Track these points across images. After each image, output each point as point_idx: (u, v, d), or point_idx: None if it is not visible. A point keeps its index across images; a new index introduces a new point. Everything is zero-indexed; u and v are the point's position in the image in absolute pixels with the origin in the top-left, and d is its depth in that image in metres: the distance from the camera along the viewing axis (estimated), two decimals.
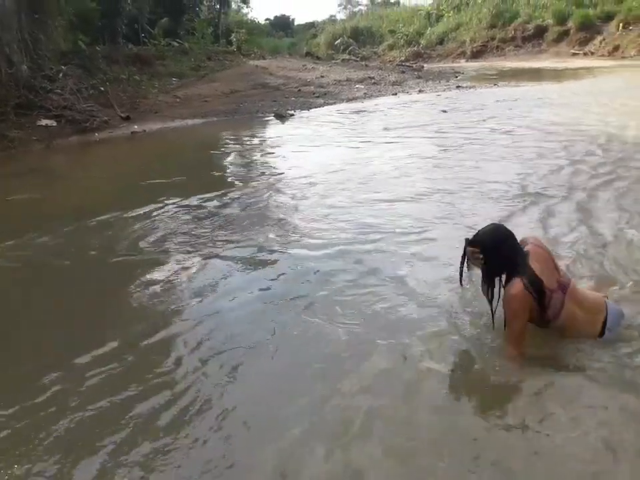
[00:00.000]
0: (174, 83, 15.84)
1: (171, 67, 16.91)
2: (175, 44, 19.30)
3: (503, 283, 2.68)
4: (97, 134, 10.74)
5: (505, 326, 2.66)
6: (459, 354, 2.79)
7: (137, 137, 10.91)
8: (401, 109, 12.85)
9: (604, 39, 25.84)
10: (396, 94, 16.12)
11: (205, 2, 26.23)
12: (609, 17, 26.23)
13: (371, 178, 6.38)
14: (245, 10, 33.81)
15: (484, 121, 9.96)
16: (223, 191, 6.28)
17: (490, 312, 2.73)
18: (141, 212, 5.55)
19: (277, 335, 3.08)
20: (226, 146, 9.87)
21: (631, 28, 24.46)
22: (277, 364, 2.83)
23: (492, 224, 2.80)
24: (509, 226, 2.79)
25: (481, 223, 4.48)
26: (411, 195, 5.59)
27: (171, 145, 10.52)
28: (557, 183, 5.59)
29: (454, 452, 2.16)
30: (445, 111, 11.62)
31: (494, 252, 2.61)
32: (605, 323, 2.69)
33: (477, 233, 2.69)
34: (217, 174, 7.68)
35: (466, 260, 2.68)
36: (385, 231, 4.55)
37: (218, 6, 26.70)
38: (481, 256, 2.61)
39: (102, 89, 12.88)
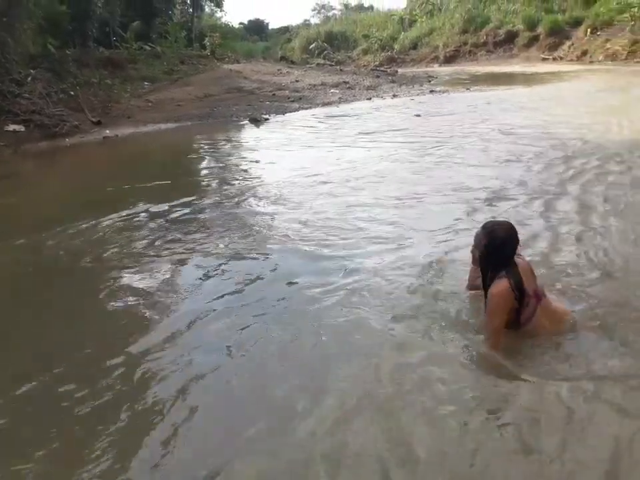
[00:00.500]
0: (146, 87, 15.63)
1: (143, 71, 16.68)
2: (147, 47, 19.05)
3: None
4: (67, 139, 10.52)
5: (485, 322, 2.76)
6: (436, 360, 2.78)
7: (109, 142, 10.73)
8: (376, 113, 12.92)
9: (572, 44, 26.45)
10: (370, 98, 16.21)
11: (177, 5, 25.99)
12: (577, 23, 26.86)
13: (345, 182, 6.37)
14: (218, 14, 33.64)
15: (457, 125, 10.06)
16: (197, 196, 6.20)
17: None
18: (114, 218, 5.44)
19: (250, 346, 3.03)
20: (200, 151, 9.78)
21: (598, 33, 25.08)
22: (248, 376, 2.78)
23: (506, 222, 2.92)
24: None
25: (454, 225, 4.58)
26: (386, 198, 5.59)
27: (143, 150, 10.37)
28: (527, 185, 5.66)
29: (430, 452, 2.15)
30: (418, 115, 11.72)
31: (497, 246, 2.72)
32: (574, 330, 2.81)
33: (491, 224, 2.84)
34: (191, 179, 7.59)
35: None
36: (360, 236, 4.54)
37: (191, 9, 26.50)
38: (479, 244, 2.76)
39: (72, 93, 12.62)
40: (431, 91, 16.99)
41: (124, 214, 5.58)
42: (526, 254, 3.81)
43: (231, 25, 36.27)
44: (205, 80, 17.49)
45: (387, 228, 4.70)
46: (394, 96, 16.49)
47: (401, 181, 6.32)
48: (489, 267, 2.76)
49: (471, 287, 3.16)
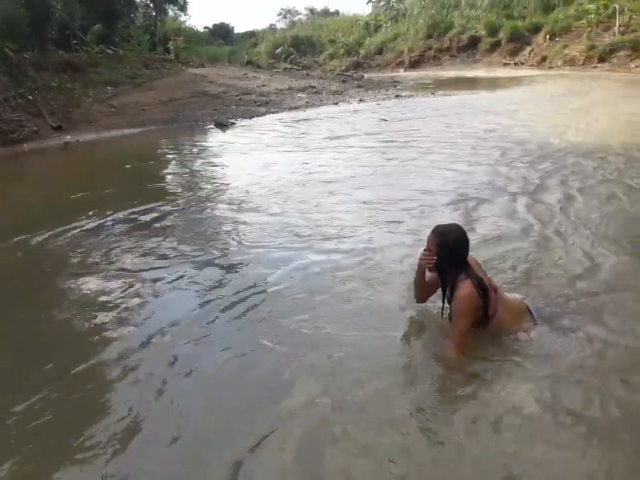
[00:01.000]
0: (109, 92, 15.31)
1: (105, 75, 16.33)
2: (110, 51, 18.67)
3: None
4: (25, 145, 10.21)
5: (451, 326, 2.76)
6: (402, 361, 2.78)
7: (70, 148, 10.45)
8: (343, 117, 12.96)
9: (532, 50, 27.15)
10: (337, 103, 16.26)
11: (140, 8, 25.59)
12: (536, 29, 27.60)
13: (312, 186, 6.34)
14: (182, 17, 33.20)
15: (422, 129, 10.17)
16: (161, 202, 6.07)
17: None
18: (75, 226, 5.27)
19: (215, 356, 2.95)
20: (165, 156, 9.62)
21: (557, 39, 25.82)
22: (217, 388, 2.71)
23: (456, 224, 2.98)
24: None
25: (420, 228, 4.59)
26: (354, 202, 5.59)
27: (106, 156, 10.14)
28: (491, 187, 5.75)
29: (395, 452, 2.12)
30: (385, 120, 11.80)
31: (451, 248, 2.74)
32: (534, 321, 2.89)
33: (442, 227, 2.84)
34: (155, 185, 7.44)
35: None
36: (326, 239, 4.51)
37: (154, 13, 26.12)
38: (436, 248, 2.74)
39: (31, 97, 12.24)
40: (397, 96, 17.15)
41: (86, 221, 5.42)
42: (489, 251, 3.91)
43: (195, 29, 36.02)
44: (169, 84, 17.25)
45: (353, 232, 4.68)
46: (360, 100, 16.59)
47: (368, 184, 6.33)
48: (449, 269, 2.76)
49: (420, 299, 3.09)
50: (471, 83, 20.35)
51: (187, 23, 33.43)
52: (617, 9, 22.76)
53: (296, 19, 54.42)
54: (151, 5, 26.73)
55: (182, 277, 4.00)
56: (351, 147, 8.92)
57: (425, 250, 2.81)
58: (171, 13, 31.41)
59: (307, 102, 16.48)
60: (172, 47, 23.54)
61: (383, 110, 13.88)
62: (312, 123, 12.46)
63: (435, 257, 2.75)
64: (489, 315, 2.73)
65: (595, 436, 2.19)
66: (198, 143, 10.90)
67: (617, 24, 22.59)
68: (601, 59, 22.17)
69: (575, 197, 5.26)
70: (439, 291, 2.91)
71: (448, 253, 2.73)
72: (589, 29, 23.86)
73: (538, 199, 5.29)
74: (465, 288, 2.66)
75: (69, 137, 10.99)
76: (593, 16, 23.67)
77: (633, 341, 2.81)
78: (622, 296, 3.29)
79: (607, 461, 2.08)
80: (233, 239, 4.78)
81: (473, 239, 4.14)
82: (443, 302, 2.85)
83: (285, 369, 2.75)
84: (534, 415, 2.33)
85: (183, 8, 30.54)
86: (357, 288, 3.55)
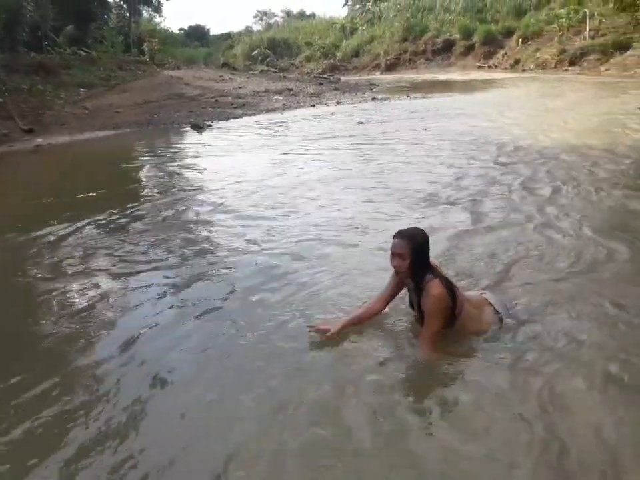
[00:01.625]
0: (82, 94, 15.06)
1: (78, 77, 16.07)
2: (82, 52, 18.38)
3: (412, 285, 2.82)
4: None
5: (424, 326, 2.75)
6: (373, 361, 2.76)
7: (42, 151, 10.24)
8: (320, 120, 12.97)
9: (506, 53, 27.63)
10: (314, 105, 16.28)
11: (113, 10, 25.27)
12: (509, 33, 28.10)
13: (290, 188, 6.32)
14: (157, 19, 32.99)
15: (399, 131, 10.24)
16: (135, 206, 5.97)
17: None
18: (48, 232, 5.14)
19: (192, 361, 2.91)
20: (140, 158, 9.49)
21: (529, 43, 26.32)
22: (192, 397, 2.66)
23: (415, 227, 2.96)
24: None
25: (394, 228, 4.60)
26: (330, 204, 5.59)
27: (79, 159, 9.95)
28: (463, 190, 5.79)
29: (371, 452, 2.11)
30: (361, 122, 11.84)
31: (420, 251, 2.74)
32: (497, 313, 2.91)
33: (408, 231, 2.81)
34: (130, 188, 7.32)
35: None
36: (302, 242, 4.49)
37: (128, 14, 25.83)
38: (408, 252, 2.71)
39: (0, 100, 11.98)
40: (373, 99, 17.25)
41: (58, 226, 5.30)
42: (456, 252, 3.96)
43: (170, 31, 35.72)
44: (144, 86, 17.06)
45: (330, 232, 4.68)
46: (337, 103, 16.63)
47: (345, 186, 6.33)
48: (419, 272, 2.76)
49: (383, 307, 3.04)
50: (446, 86, 20.57)
51: (162, 25, 33.18)
52: (587, 13, 23.30)
53: (272, 21, 54.54)
54: (125, 6, 26.48)
55: (157, 280, 3.94)
56: (327, 149, 8.93)
57: (395, 256, 2.77)
58: (145, 14, 31.20)
59: (283, 104, 16.46)
60: (147, 49, 23.30)
61: (359, 112, 13.93)
62: (289, 125, 12.44)
63: (409, 261, 2.73)
64: (455, 314, 2.75)
65: (563, 427, 2.22)
66: (174, 145, 10.79)
67: (587, 28, 23.11)
68: (572, 63, 22.66)
69: (545, 196, 5.34)
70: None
71: (418, 255, 2.74)
72: (560, 32, 24.37)
73: (510, 199, 5.36)
74: (435, 288, 2.68)
75: (40, 139, 10.77)
76: (563, 20, 24.18)
77: (598, 329, 2.90)
78: (587, 287, 3.39)
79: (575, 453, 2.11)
80: (209, 242, 4.73)
81: (443, 237, 4.29)
82: (413, 306, 2.85)
83: (261, 373, 2.73)
84: (512, 404, 2.37)
85: (158, 9, 30.39)
86: (333, 292, 3.53)
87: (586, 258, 3.84)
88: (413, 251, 2.73)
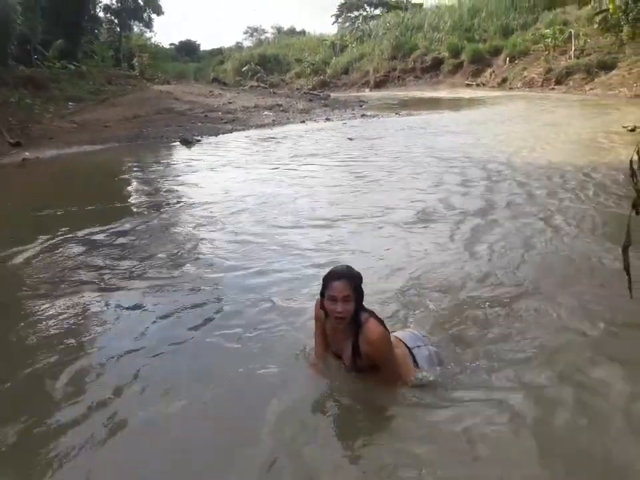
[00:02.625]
0: (71, 108, 15.02)
1: (67, 91, 16.05)
2: (72, 67, 18.36)
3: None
4: None
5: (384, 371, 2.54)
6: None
7: (29, 165, 10.16)
8: (309, 136, 13.03)
9: (493, 72, 28.08)
10: (304, 121, 16.37)
11: (104, 24, 25.35)
12: (497, 52, 28.61)
13: (278, 205, 6.31)
14: (148, 34, 33.09)
15: (388, 148, 10.30)
16: (123, 221, 5.92)
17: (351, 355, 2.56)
18: (34, 246, 5.08)
19: (179, 373, 2.87)
20: (128, 173, 9.45)
21: (516, 62, 26.78)
22: (181, 406, 2.62)
23: (344, 264, 2.66)
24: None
25: (382, 246, 4.62)
26: (320, 221, 5.58)
27: (67, 173, 9.89)
28: (451, 207, 5.80)
29: None
30: (351, 139, 11.91)
31: (361, 288, 2.51)
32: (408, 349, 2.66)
33: (346, 270, 2.53)
34: (118, 203, 7.26)
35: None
36: (291, 257, 4.48)
37: (119, 29, 25.92)
38: (352, 293, 2.44)
39: None
40: (363, 115, 17.39)
41: (45, 241, 5.24)
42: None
43: (161, 46, 35.90)
44: (133, 100, 17.06)
45: (317, 251, 4.66)
46: (327, 119, 16.74)
47: (333, 202, 6.34)
48: (359, 312, 2.49)
49: (324, 353, 2.76)
50: (435, 103, 20.81)
51: (153, 40, 33.31)
52: (573, 33, 23.77)
53: (263, 37, 55.05)
54: (116, 20, 26.54)
55: (143, 296, 3.89)
56: (317, 165, 8.96)
57: (338, 301, 2.43)
58: (136, 29, 31.27)
59: (273, 120, 16.53)
60: (137, 64, 23.38)
61: (349, 129, 14.03)
62: (278, 140, 12.48)
63: (353, 304, 2.45)
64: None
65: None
66: (162, 160, 10.76)
67: (573, 48, 23.57)
68: (558, 81, 23.06)
69: (524, 218, 5.32)
70: None
71: (360, 294, 2.50)
72: (546, 52, 24.82)
73: (493, 219, 5.32)
74: (376, 326, 2.46)
75: (27, 153, 10.69)
76: (549, 40, 24.65)
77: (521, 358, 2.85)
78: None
79: None
80: (196, 258, 4.69)
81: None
82: (354, 350, 2.51)
83: (250, 388, 2.69)
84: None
85: (149, 24, 30.47)
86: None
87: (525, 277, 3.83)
88: (356, 290, 2.47)
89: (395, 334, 2.72)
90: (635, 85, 17.17)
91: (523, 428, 2.33)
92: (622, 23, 21.40)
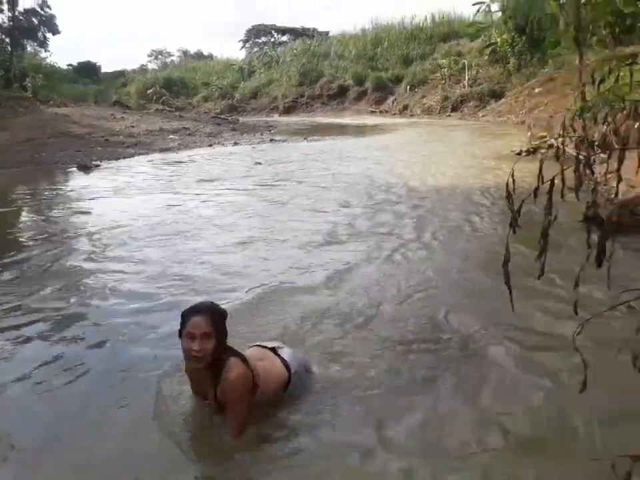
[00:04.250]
0: None
1: None
2: None
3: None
4: None
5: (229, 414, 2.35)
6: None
7: None
8: (217, 160, 12.86)
9: (395, 99, 29.50)
10: (211, 145, 16.16)
11: None
12: (398, 80, 30.14)
13: (181, 230, 6.10)
14: (43, 54, 31.31)
15: (295, 172, 10.37)
16: (14, 255, 5.43)
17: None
18: None
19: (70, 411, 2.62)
20: (19, 201, 8.76)
21: (416, 90, 28.32)
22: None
23: (205, 301, 2.53)
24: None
25: (289, 270, 4.58)
26: (224, 246, 5.46)
27: None
28: (353, 228, 5.92)
29: None
30: (259, 163, 11.87)
31: (224, 325, 2.33)
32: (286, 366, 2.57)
33: (206, 305, 2.38)
34: (7, 236, 6.66)
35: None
36: (193, 288, 4.31)
37: (9, 48, 24.36)
38: (213, 330, 2.25)
39: None
40: (271, 140, 17.48)
41: None
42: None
43: (57, 66, 34.05)
44: (26, 123, 16.02)
45: (224, 276, 4.55)
46: (235, 143, 16.64)
47: (238, 227, 6.23)
48: (222, 352, 2.30)
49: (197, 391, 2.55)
50: (341, 129, 21.39)
51: (48, 60, 31.46)
52: (466, 64, 25.59)
53: (168, 60, 54.04)
54: (7, 39, 24.93)
55: (36, 331, 3.58)
56: (224, 189, 8.82)
57: (195, 338, 2.22)
58: (29, 48, 29.54)
59: (179, 144, 16.17)
60: (30, 85, 22.02)
61: (257, 153, 14.02)
62: (184, 164, 12.20)
63: (215, 342, 2.25)
64: (256, 383, 2.36)
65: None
66: (57, 187, 10.11)
67: (466, 77, 25.34)
68: (454, 109, 24.65)
69: (420, 241, 5.49)
70: None
71: (222, 333, 2.30)
72: (443, 81, 26.48)
73: (385, 242, 5.48)
74: (237, 367, 2.27)
75: None
76: (446, 70, 26.34)
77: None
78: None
79: None
80: (90, 290, 4.37)
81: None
82: (215, 390, 2.32)
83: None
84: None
85: (44, 44, 28.94)
86: None
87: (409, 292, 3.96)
88: (218, 326, 2.27)
89: (283, 350, 2.64)
90: (520, 111, 18.66)
91: None
92: (509, 56, 23.38)
